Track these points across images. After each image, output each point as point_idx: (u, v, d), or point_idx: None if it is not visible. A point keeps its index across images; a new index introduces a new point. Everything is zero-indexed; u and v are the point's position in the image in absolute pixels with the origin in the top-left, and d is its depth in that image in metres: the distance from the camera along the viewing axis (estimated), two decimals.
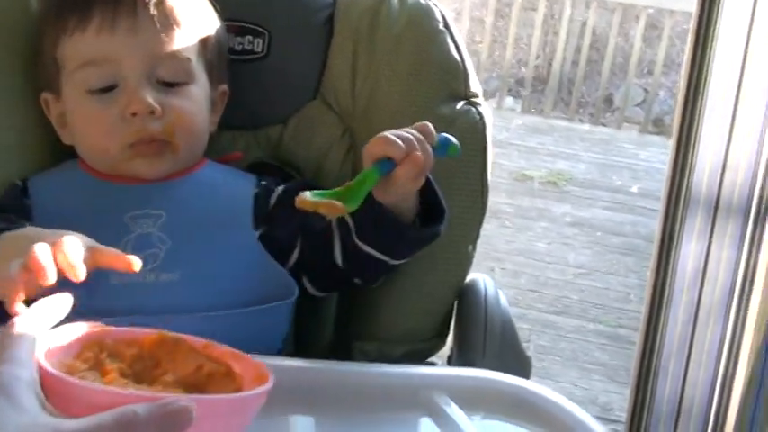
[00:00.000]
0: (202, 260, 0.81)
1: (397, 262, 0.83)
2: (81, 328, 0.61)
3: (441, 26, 0.94)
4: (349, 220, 0.81)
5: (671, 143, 1.35)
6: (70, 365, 0.59)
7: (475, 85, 0.94)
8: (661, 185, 1.40)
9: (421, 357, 0.91)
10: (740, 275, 1.31)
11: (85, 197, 0.85)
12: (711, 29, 1.27)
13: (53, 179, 0.87)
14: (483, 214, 0.92)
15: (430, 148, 0.75)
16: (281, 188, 0.88)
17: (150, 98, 0.82)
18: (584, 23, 4.71)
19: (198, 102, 0.86)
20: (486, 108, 0.93)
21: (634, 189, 3.72)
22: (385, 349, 0.90)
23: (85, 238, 0.69)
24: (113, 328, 0.63)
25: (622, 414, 1.78)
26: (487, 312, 0.88)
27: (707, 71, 1.29)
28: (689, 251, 1.36)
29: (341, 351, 0.92)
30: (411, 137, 0.74)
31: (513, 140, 4.09)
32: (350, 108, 0.96)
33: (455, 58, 0.93)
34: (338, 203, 0.70)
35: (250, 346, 0.74)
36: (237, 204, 0.86)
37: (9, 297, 0.61)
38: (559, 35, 4.74)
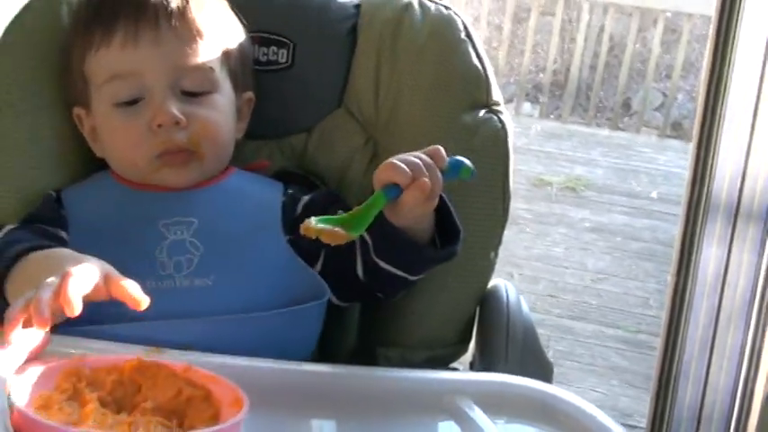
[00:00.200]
0: (234, 265, 0.83)
1: (415, 278, 0.85)
2: (59, 361, 0.63)
3: (463, 35, 0.96)
4: (367, 237, 0.82)
5: (691, 148, 1.35)
6: (48, 397, 0.61)
7: (496, 94, 0.95)
8: (680, 190, 1.40)
9: (443, 363, 0.92)
10: (761, 280, 1.32)
11: (118, 206, 0.87)
12: (731, 35, 1.27)
13: (86, 190, 0.89)
14: (505, 221, 0.93)
15: (439, 173, 0.75)
16: (307, 197, 0.89)
17: (175, 109, 0.83)
18: (601, 28, 4.70)
19: (222, 110, 0.88)
20: (508, 116, 0.95)
21: (653, 194, 3.71)
22: (408, 355, 0.91)
23: (105, 266, 0.69)
24: (92, 356, 0.65)
25: (642, 420, 1.78)
26: (509, 318, 0.89)
27: (727, 77, 1.29)
28: (709, 256, 1.36)
29: (364, 357, 0.93)
30: (418, 162, 0.74)
31: (531, 146, 4.09)
32: (373, 117, 0.97)
33: (477, 68, 0.94)
34: (341, 231, 0.72)
35: (283, 348, 0.76)
36: (266, 211, 0.87)
37: (4, 331, 0.62)
38: (577, 40, 4.74)
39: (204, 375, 0.65)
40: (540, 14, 4.75)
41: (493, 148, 0.92)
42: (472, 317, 0.94)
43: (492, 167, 0.92)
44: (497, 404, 0.70)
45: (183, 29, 0.85)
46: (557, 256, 3.08)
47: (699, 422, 1.42)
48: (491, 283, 0.95)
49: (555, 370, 0.90)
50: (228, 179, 0.90)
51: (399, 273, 0.83)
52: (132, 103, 0.85)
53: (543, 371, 0.86)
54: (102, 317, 0.73)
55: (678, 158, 4.04)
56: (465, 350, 0.95)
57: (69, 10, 0.94)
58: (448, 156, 0.77)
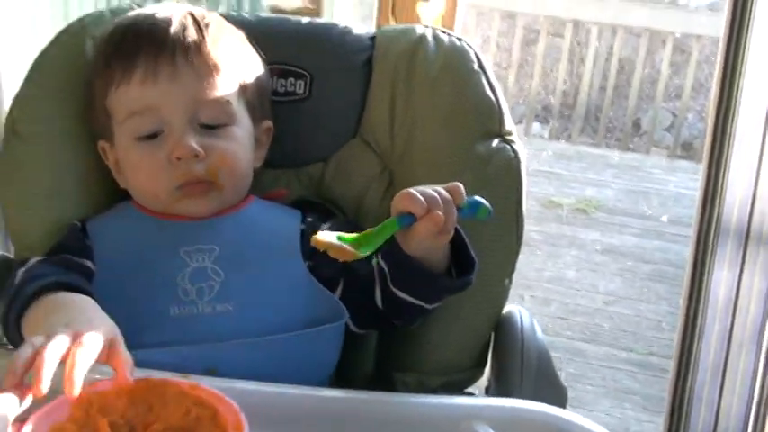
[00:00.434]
0: (255, 291, 0.85)
1: (432, 306, 0.86)
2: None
3: (476, 67, 0.98)
4: (385, 267, 0.84)
5: (701, 171, 1.36)
6: (62, 428, 0.62)
7: (509, 124, 0.97)
8: (690, 211, 1.41)
9: (459, 388, 0.94)
10: None
11: (142, 235, 0.89)
12: (740, 56, 1.28)
13: (109, 220, 0.92)
14: (518, 249, 0.95)
15: (455, 209, 0.77)
16: (325, 225, 0.91)
17: (193, 142, 0.85)
18: (610, 49, 4.73)
19: (240, 142, 0.90)
20: (521, 145, 0.97)
21: (663, 217, 3.71)
22: (424, 380, 0.93)
23: (112, 330, 0.69)
24: (99, 382, 0.66)
25: None
26: (524, 344, 0.91)
27: (736, 100, 1.30)
28: (720, 279, 1.37)
29: (381, 382, 0.94)
30: (436, 195, 0.77)
31: (541, 168, 4.11)
32: (389, 147, 1.00)
33: (490, 98, 0.96)
34: (349, 249, 0.74)
35: (303, 370, 0.78)
36: (286, 238, 0.89)
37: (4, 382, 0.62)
38: (586, 62, 4.77)
39: (211, 394, 0.67)
40: (549, 36, 4.79)
41: (506, 177, 0.94)
42: (487, 342, 0.96)
43: (505, 196, 0.94)
44: (513, 429, 0.71)
45: (199, 64, 0.87)
46: (568, 278, 3.08)
47: None
48: (505, 309, 0.97)
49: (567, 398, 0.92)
50: (248, 207, 0.92)
51: (416, 302, 0.84)
52: (152, 136, 0.87)
53: (557, 395, 0.87)
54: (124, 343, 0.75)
55: (688, 179, 4.04)
56: (480, 375, 0.96)
57: (93, 44, 0.97)
58: (467, 194, 0.79)
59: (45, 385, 0.61)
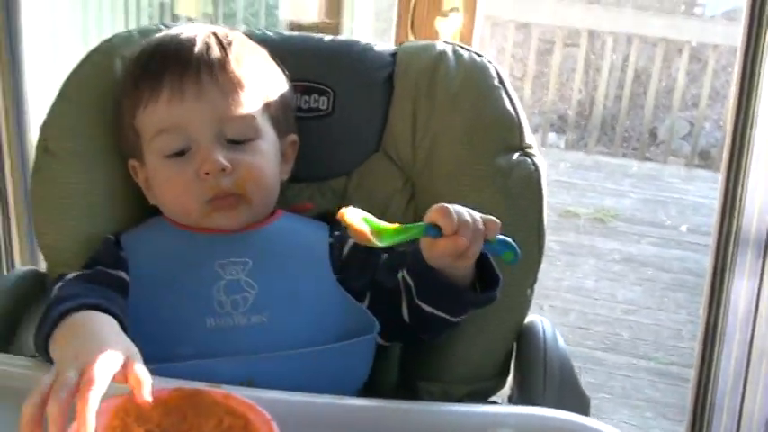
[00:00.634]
0: (288, 302, 0.87)
1: (457, 319, 0.87)
2: (107, 400, 0.64)
3: (496, 82, 1.00)
4: (410, 280, 0.86)
5: (719, 179, 1.36)
6: None
7: (529, 137, 0.99)
8: (709, 220, 1.42)
9: (483, 397, 0.95)
10: None
11: (175, 248, 0.91)
12: (757, 65, 1.28)
13: (143, 234, 0.94)
14: (540, 260, 0.97)
15: (482, 241, 0.78)
16: (352, 240, 0.93)
17: (221, 157, 0.88)
18: (625, 58, 4.73)
19: (266, 155, 0.92)
20: (541, 159, 0.98)
21: (682, 226, 3.70)
22: (449, 389, 0.95)
23: (127, 349, 0.69)
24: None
25: None
26: (546, 353, 0.92)
27: (754, 108, 1.30)
28: (740, 289, 1.37)
29: (406, 392, 0.96)
30: (469, 221, 0.78)
31: (558, 178, 4.11)
32: (411, 161, 1.01)
33: (510, 113, 0.98)
34: (368, 235, 0.75)
35: (337, 381, 0.79)
36: (315, 251, 0.91)
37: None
38: (601, 71, 4.77)
39: (243, 403, 0.68)
40: (565, 46, 4.79)
41: (527, 190, 0.96)
42: (510, 352, 0.98)
43: (527, 208, 0.96)
44: None
45: (224, 81, 0.90)
46: (587, 288, 3.08)
47: None
48: (527, 319, 0.98)
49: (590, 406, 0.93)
50: (278, 221, 0.94)
51: (441, 314, 0.86)
52: (180, 154, 0.89)
53: (580, 404, 0.88)
54: (160, 355, 0.77)
55: (706, 188, 4.03)
56: (503, 384, 0.98)
57: (122, 63, 1.00)
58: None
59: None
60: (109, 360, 0.65)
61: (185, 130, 0.89)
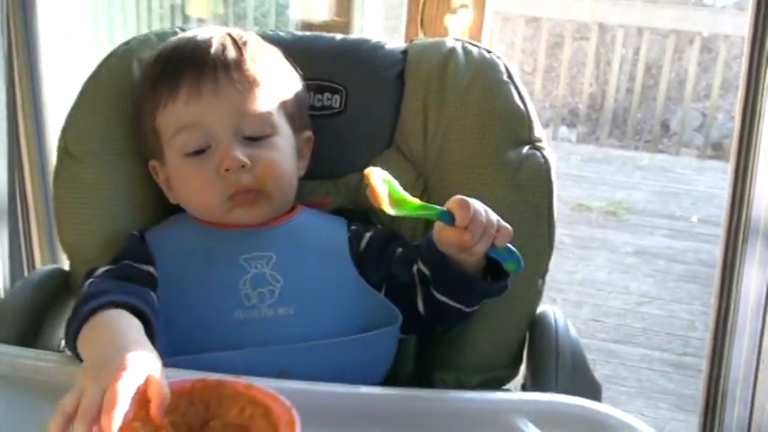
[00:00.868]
0: (313, 294, 0.89)
1: (470, 310, 0.89)
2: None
3: (505, 77, 1.02)
4: (426, 270, 0.88)
5: (729, 170, 1.37)
6: (128, 426, 0.66)
7: (539, 131, 1.01)
8: (721, 212, 1.42)
9: (497, 385, 0.97)
10: None
11: (200, 244, 0.93)
12: (765, 55, 1.29)
13: (167, 231, 0.96)
14: (551, 250, 0.98)
15: (489, 243, 0.80)
16: (368, 234, 0.95)
17: (239, 153, 0.90)
18: (636, 51, 4.72)
19: (283, 151, 0.94)
20: (551, 152, 1.00)
21: (694, 217, 3.70)
22: (463, 378, 0.97)
23: (149, 363, 0.69)
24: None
25: None
26: (558, 342, 0.94)
27: (762, 99, 1.31)
28: (751, 278, 1.38)
29: (422, 381, 0.98)
30: (483, 222, 0.79)
31: (569, 171, 4.11)
32: (422, 156, 1.03)
33: (519, 107, 1.00)
34: (382, 201, 0.77)
35: (362, 370, 0.81)
36: (336, 244, 0.94)
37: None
38: (612, 63, 4.76)
39: (264, 393, 0.70)
40: (575, 40, 4.79)
41: (537, 182, 0.98)
42: (522, 342, 1.00)
43: (537, 200, 0.98)
44: (551, 422, 0.74)
45: (240, 79, 0.92)
46: (600, 281, 3.08)
47: None
48: (539, 309, 1.00)
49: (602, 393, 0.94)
50: (298, 216, 0.96)
51: (456, 305, 0.88)
52: (200, 152, 0.92)
53: (592, 391, 0.90)
54: (190, 348, 0.79)
55: (719, 180, 4.01)
56: (516, 373, 1.00)
57: (140, 66, 1.02)
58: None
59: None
60: (131, 377, 0.66)
61: (204, 127, 0.91)
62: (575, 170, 4.16)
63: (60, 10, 1.54)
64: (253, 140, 0.92)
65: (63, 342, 1.03)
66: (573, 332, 0.96)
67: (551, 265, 1.00)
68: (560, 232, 1.00)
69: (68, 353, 0.81)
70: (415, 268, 0.90)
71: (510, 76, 1.02)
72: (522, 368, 1.00)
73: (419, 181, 1.04)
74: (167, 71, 0.93)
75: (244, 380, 0.72)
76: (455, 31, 1.46)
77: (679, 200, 3.89)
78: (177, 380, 0.71)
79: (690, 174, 4.26)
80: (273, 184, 0.92)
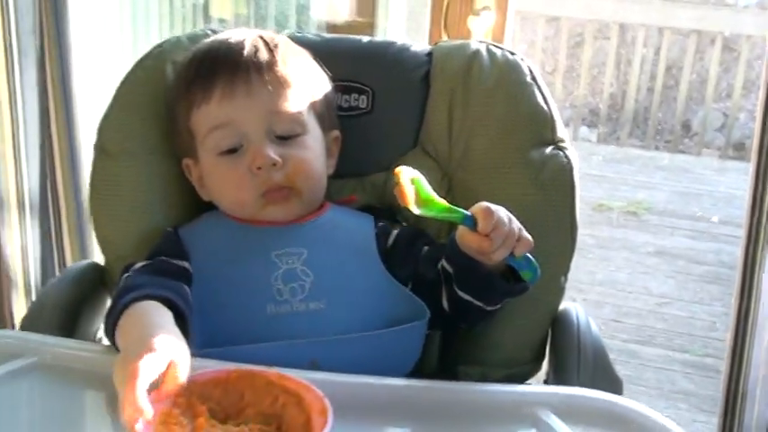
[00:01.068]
0: (343, 289, 0.92)
1: (492, 308, 0.91)
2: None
3: (528, 79, 1.04)
4: (449, 268, 0.90)
5: (750, 170, 1.38)
6: (167, 413, 0.70)
7: (561, 131, 1.03)
8: (742, 212, 1.42)
9: (520, 380, 0.99)
10: None
11: (233, 240, 0.96)
12: None
13: (201, 227, 0.99)
14: (573, 249, 1.00)
15: (508, 252, 0.83)
16: (395, 231, 0.98)
17: (271, 152, 0.93)
18: (657, 50, 4.70)
19: (313, 149, 0.97)
20: (574, 152, 1.02)
21: (715, 217, 3.68)
22: (487, 373, 0.99)
23: (177, 349, 0.72)
24: (197, 374, 0.73)
25: None
26: (580, 338, 0.96)
27: None
28: None
29: (446, 376, 0.99)
30: (505, 230, 0.82)
31: (590, 171, 4.10)
32: (447, 156, 1.06)
33: (543, 108, 1.02)
34: (408, 200, 0.79)
35: (390, 363, 0.84)
36: (364, 240, 0.96)
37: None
38: (633, 63, 4.75)
39: (296, 383, 0.73)
40: (595, 40, 4.78)
41: (560, 182, 1.00)
42: (545, 338, 1.02)
43: (560, 199, 1.00)
44: (573, 414, 0.76)
45: (271, 80, 0.95)
46: (620, 281, 3.08)
47: None
48: (562, 306, 1.02)
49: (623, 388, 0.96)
50: (327, 213, 0.99)
51: (478, 303, 0.90)
52: (233, 150, 0.95)
53: (613, 386, 0.91)
54: (224, 341, 0.82)
55: (741, 180, 3.99)
56: (539, 368, 1.02)
57: (173, 67, 1.05)
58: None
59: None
60: (154, 357, 0.69)
61: (237, 126, 0.94)
62: (595, 170, 4.15)
63: (90, 11, 1.58)
64: (284, 139, 0.95)
65: (98, 334, 1.07)
66: (594, 329, 0.98)
67: (572, 265, 1.02)
68: (581, 232, 1.02)
69: (106, 343, 0.85)
70: (440, 265, 0.92)
71: (533, 78, 1.04)
72: (545, 364, 1.02)
73: (444, 180, 1.06)
74: (201, 72, 0.96)
75: (276, 371, 0.75)
76: (478, 33, 1.47)
77: (700, 200, 3.88)
78: (213, 369, 0.74)
79: (711, 174, 4.24)
80: (304, 181, 0.95)
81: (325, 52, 1.05)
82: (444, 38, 1.50)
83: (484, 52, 1.06)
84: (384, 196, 1.07)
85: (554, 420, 0.75)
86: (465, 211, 0.82)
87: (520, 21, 4.53)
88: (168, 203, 1.04)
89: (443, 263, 0.91)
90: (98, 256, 1.12)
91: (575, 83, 4.83)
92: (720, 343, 2.62)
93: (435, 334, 1.02)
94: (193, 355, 0.73)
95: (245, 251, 0.94)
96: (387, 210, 1.04)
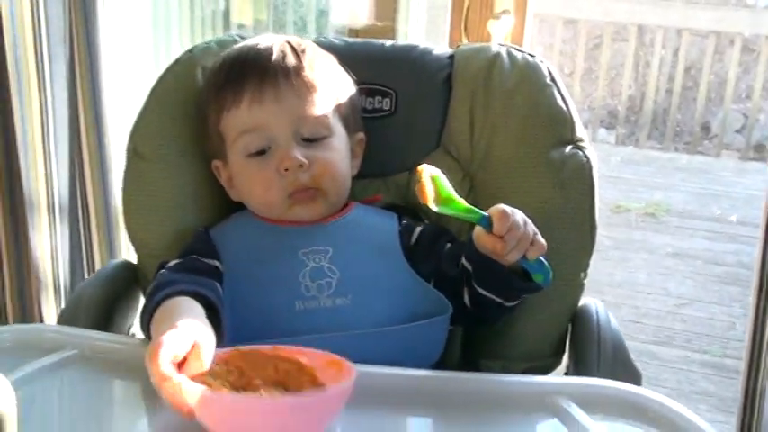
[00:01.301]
0: (368, 285, 0.94)
1: (511, 304, 0.94)
2: None
3: (548, 80, 1.06)
4: (468, 266, 0.93)
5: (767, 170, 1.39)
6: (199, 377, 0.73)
7: (581, 131, 1.05)
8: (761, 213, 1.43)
9: (540, 373, 1.00)
10: None
11: (262, 240, 0.99)
12: None
13: (230, 227, 1.02)
14: (592, 246, 1.03)
15: (521, 254, 0.85)
16: (419, 228, 1.00)
17: (298, 154, 0.96)
18: (676, 52, 4.69)
19: (338, 151, 1.00)
20: (593, 152, 1.04)
21: (733, 218, 3.67)
22: (508, 366, 1.01)
23: (202, 333, 0.76)
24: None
25: None
26: (600, 332, 0.98)
27: None
28: None
29: (468, 368, 1.02)
30: (519, 233, 0.84)
31: (609, 173, 4.11)
32: (469, 156, 1.08)
33: (562, 109, 1.05)
34: (428, 198, 0.82)
35: (414, 356, 0.86)
36: (388, 237, 0.99)
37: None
38: (651, 65, 4.74)
39: (291, 350, 0.77)
40: (613, 41, 4.78)
41: (579, 181, 1.02)
42: (565, 332, 1.04)
43: (580, 198, 1.02)
44: (593, 403, 0.78)
45: (299, 85, 0.98)
46: (639, 282, 3.09)
47: None
48: (581, 302, 1.04)
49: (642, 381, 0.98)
50: (351, 212, 1.02)
51: (497, 299, 0.93)
52: (261, 152, 0.98)
53: (633, 379, 0.93)
54: (252, 337, 0.85)
55: (760, 181, 3.98)
56: (559, 362, 1.04)
57: (203, 72, 1.09)
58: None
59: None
60: (178, 333, 0.74)
61: (265, 130, 0.97)
62: (614, 172, 4.16)
63: (119, 17, 1.62)
64: (310, 142, 0.98)
65: (131, 330, 1.10)
66: (614, 323, 1.00)
67: (590, 267, 1.04)
68: (599, 234, 1.04)
69: (141, 337, 0.88)
70: (460, 263, 0.94)
71: (553, 79, 1.07)
72: (565, 358, 1.05)
73: (465, 180, 1.08)
74: (231, 77, 0.99)
75: (268, 345, 0.79)
76: (498, 36, 1.49)
77: (719, 201, 3.87)
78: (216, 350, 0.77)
79: (730, 175, 4.23)
80: (329, 182, 0.98)
81: (349, 56, 1.08)
82: (464, 41, 1.53)
83: (504, 55, 1.09)
84: (407, 196, 1.10)
85: (575, 409, 0.77)
86: (482, 212, 0.85)
87: (538, 23, 4.54)
88: (199, 204, 1.07)
89: (463, 260, 0.94)
90: (126, 258, 1.15)
91: (593, 85, 4.83)
92: (739, 343, 2.61)
93: (458, 330, 1.05)
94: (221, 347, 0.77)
95: (274, 250, 0.97)
96: (410, 208, 1.06)
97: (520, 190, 1.02)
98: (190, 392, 0.69)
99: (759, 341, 1.44)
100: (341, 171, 1.00)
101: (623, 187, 3.99)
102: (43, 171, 1.60)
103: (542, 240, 0.86)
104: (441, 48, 1.14)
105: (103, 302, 1.05)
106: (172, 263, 0.96)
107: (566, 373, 1.02)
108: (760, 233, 1.41)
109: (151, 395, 0.73)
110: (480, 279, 0.92)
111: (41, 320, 1.68)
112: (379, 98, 1.10)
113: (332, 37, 1.19)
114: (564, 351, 1.04)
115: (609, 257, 3.23)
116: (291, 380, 0.76)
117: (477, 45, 1.15)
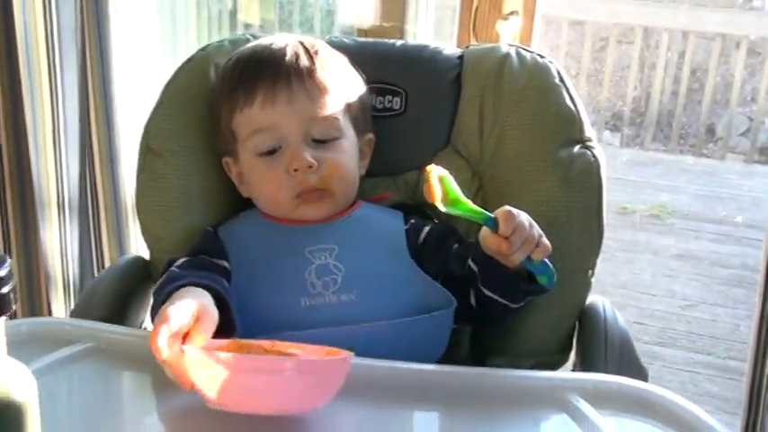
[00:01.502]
0: (372, 281, 0.96)
1: (516, 306, 0.95)
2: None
3: (557, 81, 1.07)
4: (474, 267, 0.94)
5: None
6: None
7: (589, 131, 1.06)
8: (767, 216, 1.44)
9: (547, 369, 1.02)
10: None
11: (269, 238, 1.00)
12: None
13: (238, 226, 1.03)
14: (600, 245, 1.04)
15: (525, 256, 0.86)
16: (427, 228, 1.01)
17: (308, 155, 0.97)
18: (681, 54, 4.70)
19: (348, 152, 1.01)
20: (601, 151, 1.05)
21: (739, 219, 3.67)
22: (515, 362, 1.02)
23: (196, 308, 0.79)
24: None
25: None
26: (607, 330, 0.99)
27: None
28: None
29: (476, 365, 1.03)
30: (524, 234, 0.85)
31: (614, 175, 4.10)
32: (478, 155, 1.09)
33: (570, 109, 1.06)
34: (436, 198, 0.83)
35: (418, 350, 0.87)
36: (393, 236, 1.00)
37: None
38: (657, 67, 4.74)
39: (288, 345, 0.78)
40: (619, 43, 4.78)
41: (587, 179, 1.03)
42: (572, 330, 1.05)
43: (588, 196, 1.03)
44: (602, 399, 0.79)
45: (311, 86, 0.99)
46: (643, 284, 3.09)
47: None
48: (589, 300, 1.05)
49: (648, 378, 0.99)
50: (359, 210, 1.03)
51: (502, 300, 0.94)
52: (272, 152, 0.99)
53: (640, 375, 0.94)
54: (259, 333, 0.86)
55: (766, 184, 3.98)
56: (567, 359, 1.05)
57: (216, 70, 1.10)
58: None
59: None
60: (182, 309, 0.77)
61: (277, 130, 0.98)
62: (619, 174, 4.15)
63: (130, 12, 1.63)
64: (320, 142, 0.99)
65: (144, 323, 1.11)
66: (621, 321, 1.01)
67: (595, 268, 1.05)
68: (605, 235, 1.05)
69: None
70: (467, 264, 0.95)
71: (562, 80, 1.08)
72: (572, 355, 1.06)
73: (474, 179, 1.09)
74: (244, 77, 1.00)
75: (266, 341, 0.80)
76: (506, 37, 1.50)
77: (724, 204, 3.86)
78: (214, 341, 0.79)
79: (735, 178, 4.23)
80: (338, 183, 0.99)
81: (360, 56, 1.09)
82: (473, 42, 1.54)
83: (514, 55, 1.10)
84: (416, 194, 1.11)
85: (583, 405, 0.78)
86: (489, 213, 0.86)
87: (544, 25, 4.54)
88: (209, 201, 1.09)
89: (470, 262, 0.95)
90: (136, 254, 1.16)
91: (598, 87, 4.83)
92: (744, 345, 2.62)
93: (466, 328, 1.06)
94: None
95: (280, 249, 0.98)
96: (418, 207, 1.07)
97: (528, 188, 1.03)
98: (191, 356, 0.71)
99: (764, 343, 1.44)
100: (349, 172, 1.01)
101: (628, 189, 3.99)
102: (53, 168, 1.61)
103: (547, 242, 0.87)
104: (450, 48, 1.15)
105: (117, 297, 1.06)
106: (180, 260, 0.97)
107: (572, 370, 1.03)
108: (765, 235, 1.41)
109: (164, 387, 0.75)
110: (486, 280, 0.93)
111: (50, 316, 1.70)
112: (390, 97, 1.11)
113: (343, 37, 1.20)
114: (571, 348, 1.05)
115: (614, 259, 3.23)
116: None
117: (487, 45, 1.16)
